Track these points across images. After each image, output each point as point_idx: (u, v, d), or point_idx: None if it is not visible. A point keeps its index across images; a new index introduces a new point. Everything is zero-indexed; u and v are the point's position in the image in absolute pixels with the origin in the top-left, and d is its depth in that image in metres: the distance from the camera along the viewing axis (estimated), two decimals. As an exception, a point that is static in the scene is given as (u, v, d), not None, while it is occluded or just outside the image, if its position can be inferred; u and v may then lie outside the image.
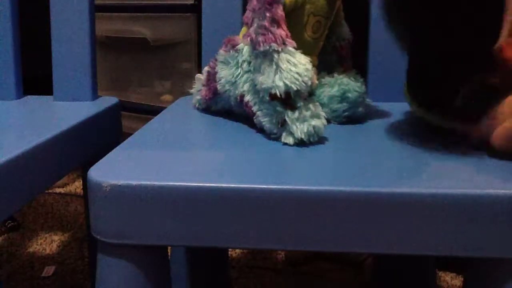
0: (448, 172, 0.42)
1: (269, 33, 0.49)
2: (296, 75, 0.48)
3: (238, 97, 0.55)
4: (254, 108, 0.52)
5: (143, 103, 1.34)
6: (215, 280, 0.80)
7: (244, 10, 0.55)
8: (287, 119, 0.49)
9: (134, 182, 0.40)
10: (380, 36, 0.69)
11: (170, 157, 0.47)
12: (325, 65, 0.61)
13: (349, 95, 0.57)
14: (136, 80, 1.40)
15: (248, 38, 0.52)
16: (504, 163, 0.44)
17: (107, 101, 0.74)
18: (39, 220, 1.23)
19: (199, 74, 0.64)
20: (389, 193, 0.39)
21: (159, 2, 1.25)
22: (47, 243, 1.11)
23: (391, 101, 0.69)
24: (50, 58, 0.74)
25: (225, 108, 0.61)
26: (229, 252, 1.05)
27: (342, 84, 0.58)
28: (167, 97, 1.33)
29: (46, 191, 1.36)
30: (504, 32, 0.41)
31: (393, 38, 0.48)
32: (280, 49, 0.49)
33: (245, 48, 0.54)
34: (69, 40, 0.73)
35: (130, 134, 0.53)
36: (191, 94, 0.66)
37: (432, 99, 0.47)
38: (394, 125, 0.58)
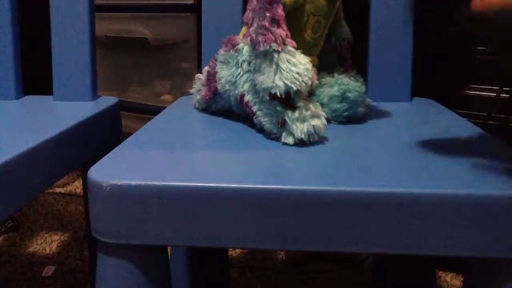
0: (448, 172, 0.42)
1: (269, 33, 0.49)
2: (296, 75, 0.48)
3: (238, 97, 0.55)
4: (254, 108, 0.52)
5: (143, 103, 1.34)
6: (215, 280, 0.80)
7: (244, 10, 0.55)
8: (287, 119, 0.49)
9: (134, 182, 0.40)
10: (380, 37, 0.70)
11: (170, 157, 0.47)
12: (325, 65, 0.61)
13: (349, 95, 0.57)
14: (136, 80, 1.40)
15: (248, 38, 0.52)
16: (505, 164, 0.44)
17: (107, 101, 0.74)
18: (39, 220, 1.23)
19: (199, 74, 0.64)
20: (389, 193, 0.39)
21: (159, 2, 1.25)
22: (47, 243, 1.11)
23: (391, 101, 0.69)
24: (50, 58, 0.74)
25: (225, 108, 0.61)
26: (229, 252, 1.05)
27: (342, 84, 0.58)
28: (167, 97, 1.33)
29: (46, 191, 1.36)
30: None
31: None
32: (280, 49, 0.49)
33: (245, 48, 0.54)
34: (69, 40, 0.73)
35: (130, 134, 0.53)
36: (191, 94, 0.66)
37: None
38: (394, 125, 0.58)
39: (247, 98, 0.53)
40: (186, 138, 0.54)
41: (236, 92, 0.55)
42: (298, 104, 0.49)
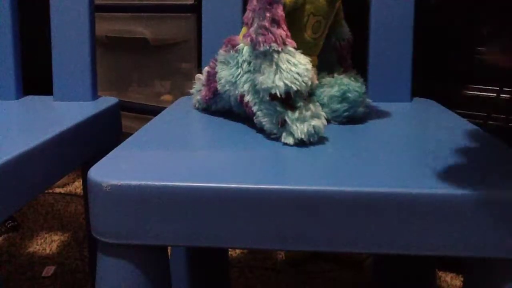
0: (448, 172, 0.42)
1: (269, 33, 0.49)
2: (296, 75, 0.48)
3: (238, 97, 0.55)
4: (254, 108, 0.52)
5: (143, 103, 1.34)
6: (215, 280, 0.80)
7: (244, 10, 0.55)
8: (287, 119, 0.49)
9: (134, 182, 0.40)
10: (380, 37, 0.70)
11: (170, 157, 0.47)
12: (325, 65, 0.61)
13: (349, 95, 0.57)
14: (136, 80, 1.40)
15: (248, 38, 0.52)
16: (504, 164, 0.44)
17: (107, 101, 0.74)
18: (39, 220, 1.23)
19: (199, 74, 0.64)
20: (389, 193, 0.39)
21: (159, 2, 1.25)
22: (47, 243, 1.11)
23: (391, 101, 0.69)
24: (50, 58, 0.74)
25: (225, 108, 0.61)
26: (229, 252, 1.05)
27: (342, 84, 0.58)
28: (167, 97, 1.33)
29: (46, 191, 1.36)
30: None
31: None
32: (280, 49, 0.48)
33: (245, 48, 0.54)
34: (69, 40, 0.73)
35: (130, 134, 0.53)
36: (191, 94, 0.66)
37: None
38: (394, 125, 0.58)
39: (247, 98, 0.53)
40: (186, 138, 0.54)
41: (236, 92, 0.55)
42: (298, 104, 0.49)
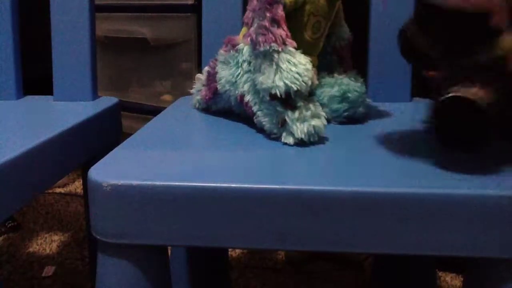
0: (448, 172, 0.42)
1: (269, 33, 0.49)
2: (296, 75, 0.48)
3: (238, 97, 0.55)
4: (254, 108, 0.52)
5: (143, 103, 1.34)
6: (215, 280, 0.80)
7: (244, 10, 0.55)
8: (287, 119, 0.49)
9: (134, 182, 0.40)
10: (380, 36, 0.70)
11: (170, 157, 0.47)
12: (325, 65, 0.61)
13: (349, 95, 0.57)
14: (136, 80, 1.40)
15: (248, 38, 0.52)
16: (504, 165, 0.44)
17: (107, 101, 0.74)
18: (39, 220, 1.23)
19: (199, 74, 0.64)
20: (389, 193, 0.39)
21: (159, 2, 1.25)
22: (47, 243, 1.11)
23: (391, 101, 0.69)
24: (50, 58, 0.74)
25: (225, 108, 0.61)
26: (229, 252, 1.05)
27: (342, 84, 0.58)
28: (167, 97, 1.33)
29: (46, 191, 1.36)
30: None
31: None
32: (280, 49, 0.49)
33: (245, 48, 0.54)
34: (69, 40, 0.73)
35: (130, 134, 0.53)
36: (191, 94, 0.66)
37: None
38: (394, 125, 0.58)
39: (247, 98, 0.53)
40: (186, 138, 0.54)
41: (236, 92, 0.55)
42: (298, 104, 0.49)
